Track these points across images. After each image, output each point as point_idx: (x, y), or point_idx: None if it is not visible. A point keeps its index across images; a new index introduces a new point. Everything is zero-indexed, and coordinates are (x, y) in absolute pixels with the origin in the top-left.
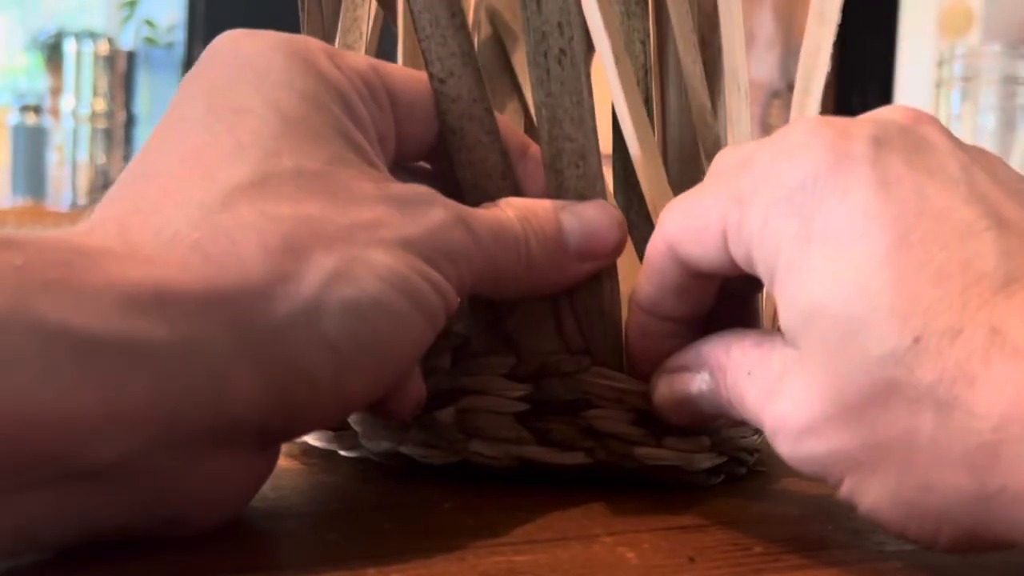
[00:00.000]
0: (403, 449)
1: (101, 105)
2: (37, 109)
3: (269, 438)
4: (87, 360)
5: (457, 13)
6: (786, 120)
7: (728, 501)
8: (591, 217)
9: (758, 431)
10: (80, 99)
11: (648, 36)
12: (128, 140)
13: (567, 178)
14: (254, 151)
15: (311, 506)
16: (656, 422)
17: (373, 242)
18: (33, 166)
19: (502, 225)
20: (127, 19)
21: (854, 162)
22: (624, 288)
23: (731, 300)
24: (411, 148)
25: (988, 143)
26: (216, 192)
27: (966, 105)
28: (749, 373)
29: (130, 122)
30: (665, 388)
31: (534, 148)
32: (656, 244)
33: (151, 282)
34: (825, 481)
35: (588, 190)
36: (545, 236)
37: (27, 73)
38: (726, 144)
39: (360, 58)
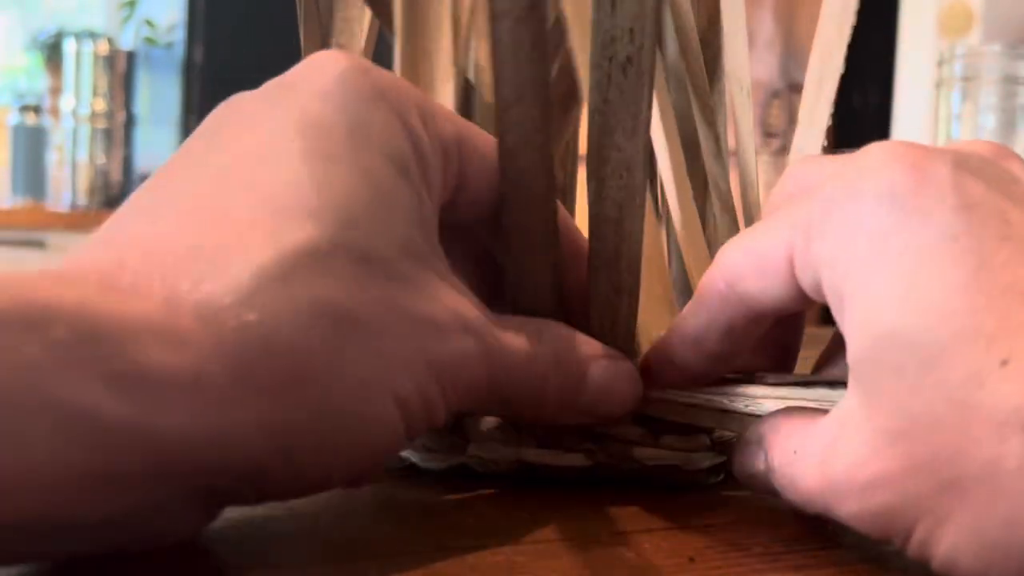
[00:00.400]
0: (404, 454)
1: (101, 105)
2: (37, 109)
3: (224, 499)
4: (97, 440)
5: (539, 42)
6: (785, 120)
7: (728, 501)
8: (617, 381)
9: None
10: (80, 99)
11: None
12: (128, 140)
13: (608, 187)
14: (332, 216)
15: (311, 506)
16: (655, 421)
17: (402, 349)
18: (33, 166)
19: (530, 364)
20: (127, 19)
21: (936, 184)
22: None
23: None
24: (464, 215)
25: None
26: (278, 256)
27: (966, 105)
28: (795, 452)
29: (130, 122)
30: (737, 460)
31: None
32: (713, 281)
33: (182, 367)
34: (890, 540)
35: (628, 201)
36: (568, 384)
37: (27, 73)
38: (726, 143)
39: (449, 125)
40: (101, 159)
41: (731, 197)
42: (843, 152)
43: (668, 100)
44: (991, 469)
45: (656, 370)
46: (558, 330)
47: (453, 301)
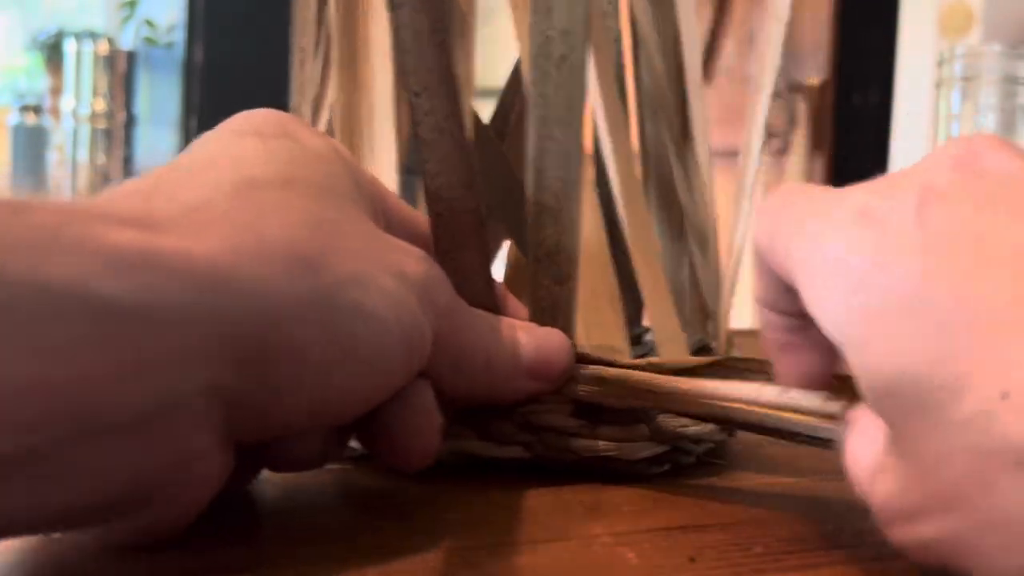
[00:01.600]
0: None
1: (101, 105)
2: (37, 109)
3: (235, 427)
4: (99, 321)
5: (439, 29)
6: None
7: (728, 501)
8: (544, 340)
9: (698, 421)
10: (80, 99)
11: (621, 35)
12: (128, 140)
13: (547, 177)
14: (285, 165)
15: (311, 506)
16: (593, 413)
17: (383, 267)
18: (33, 166)
19: (474, 313)
20: (127, 19)
21: (901, 231)
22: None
23: None
24: None
25: None
26: (244, 179)
27: (966, 105)
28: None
29: (130, 122)
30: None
31: (505, 291)
32: (756, 242)
33: (177, 249)
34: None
35: (566, 192)
36: (504, 345)
37: (27, 73)
38: (700, 134)
39: (369, 173)
40: (101, 159)
41: (703, 210)
42: (844, 151)
43: (618, 101)
44: (1013, 511)
45: (765, 342)
46: (480, 310)
47: (406, 244)
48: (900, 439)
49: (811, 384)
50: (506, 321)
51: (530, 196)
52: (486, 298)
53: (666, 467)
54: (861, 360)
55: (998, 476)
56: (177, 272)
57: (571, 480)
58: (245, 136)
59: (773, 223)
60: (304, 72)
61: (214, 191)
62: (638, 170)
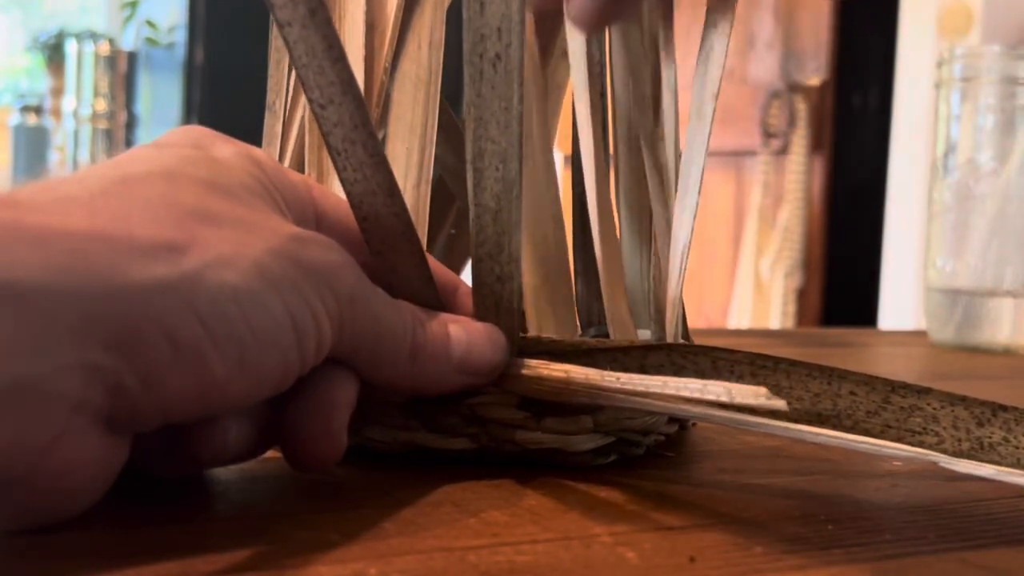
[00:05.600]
0: None
1: (102, 106)
2: (38, 110)
3: (121, 412)
4: None
5: (333, 45)
6: (785, 120)
7: (728, 501)
8: (476, 334)
9: (648, 413)
10: (81, 100)
11: (604, 37)
12: (129, 140)
13: (486, 178)
14: (171, 163)
15: (311, 506)
16: (538, 405)
17: (265, 250)
18: (34, 166)
19: (393, 302)
20: (128, 20)
21: None
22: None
23: None
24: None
25: (988, 143)
26: (120, 176)
27: (966, 105)
28: None
29: (131, 122)
30: None
31: (465, 287)
32: None
33: (34, 225)
34: None
35: (505, 192)
36: (432, 336)
37: (28, 74)
38: (675, 136)
39: (299, 177)
40: (102, 159)
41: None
42: (844, 151)
43: (598, 103)
44: None
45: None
46: (410, 304)
47: (312, 233)
48: None
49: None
50: (440, 316)
51: (470, 197)
52: (424, 296)
53: (612, 458)
54: None
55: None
56: (38, 249)
57: (570, 479)
58: (149, 146)
59: None
60: (280, 70)
61: (87, 187)
62: (612, 173)
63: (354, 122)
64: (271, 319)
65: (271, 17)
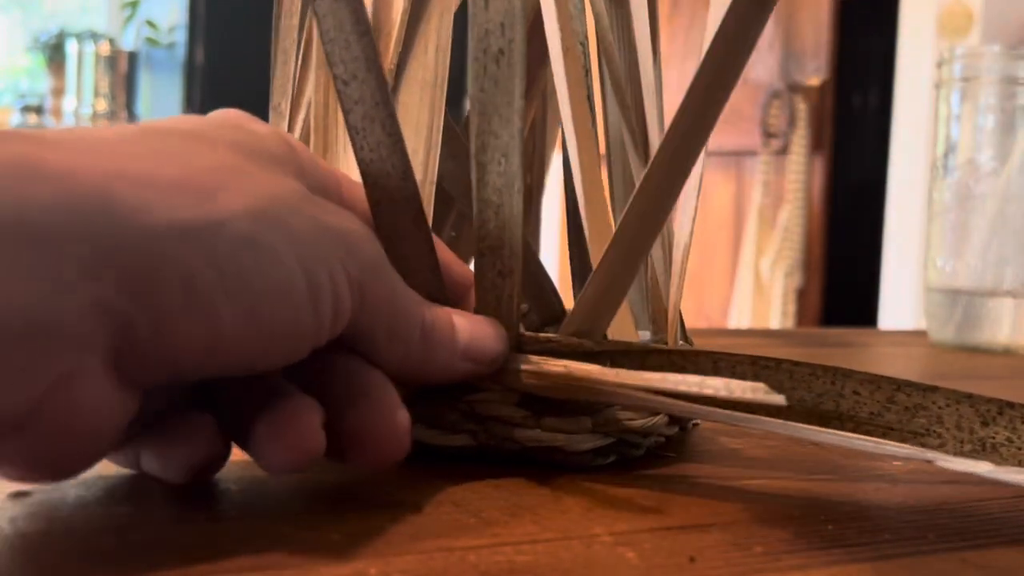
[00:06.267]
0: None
1: (103, 105)
2: (39, 110)
3: (129, 357)
4: None
5: (361, 20)
6: (785, 120)
7: (728, 501)
8: (479, 323)
9: (650, 413)
10: (82, 100)
11: (587, 37)
12: None
13: (489, 172)
14: (205, 125)
15: (311, 506)
16: (538, 403)
17: (289, 211)
18: None
19: (407, 289)
20: (129, 20)
21: None
22: None
23: None
24: None
25: (988, 143)
26: (148, 127)
27: (965, 106)
28: None
29: (132, 122)
30: None
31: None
32: None
33: (56, 163)
34: None
35: (507, 187)
36: (440, 319)
37: (29, 74)
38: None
39: (330, 168)
40: None
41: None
42: (844, 151)
43: (584, 102)
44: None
45: None
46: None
47: (336, 205)
48: None
49: None
50: (443, 308)
51: (473, 191)
52: (431, 285)
53: (612, 459)
54: None
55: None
56: (58, 186)
57: (570, 480)
58: (182, 116)
59: None
60: (285, 72)
61: (116, 132)
62: (604, 170)
63: (375, 99)
64: (285, 272)
65: (274, 13)
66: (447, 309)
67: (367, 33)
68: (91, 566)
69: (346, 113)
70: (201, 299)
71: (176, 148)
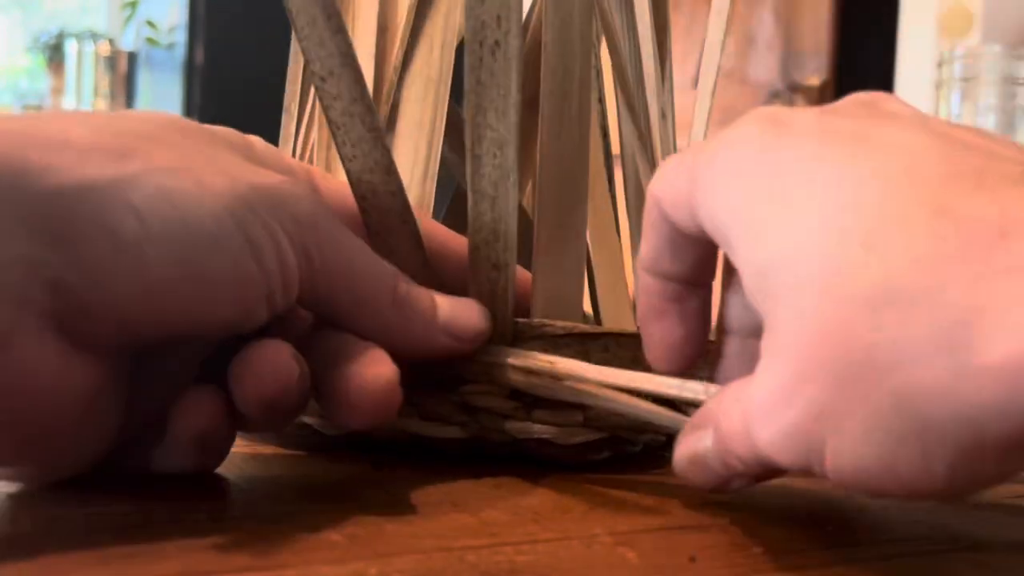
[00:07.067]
0: (306, 419)
1: (102, 105)
2: (39, 109)
3: (69, 314)
4: None
5: (333, 15)
6: None
7: (728, 501)
8: (460, 302)
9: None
10: (81, 99)
11: (599, 37)
12: None
13: (484, 164)
14: (154, 112)
15: (311, 506)
16: (528, 397)
17: (215, 170)
18: None
19: (375, 257)
20: (128, 20)
21: (796, 124)
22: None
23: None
24: None
25: None
26: (89, 112)
27: (966, 105)
28: (737, 400)
29: None
30: (681, 445)
31: (457, 244)
32: (648, 200)
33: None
34: (812, 469)
35: (502, 179)
36: (417, 292)
37: (29, 74)
38: (673, 134)
39: (299, 163)
40: None
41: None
42: None
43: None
44: (870, 353)
45: (641, 312)
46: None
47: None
48: (767, 331)
49: (678, 356)
50: (425, 288)
51: (468, 183)
52: (420, 278)
53: (605, 454)
54: (744, 245)
55: (853, 319)
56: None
57: (570, 479)
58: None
59: (677, 169)
60: (296, 71)
61: (48, 113)
62: (618, 169)
63: (352, 95)
64: (212, 221)
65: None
66: (429, 288)
67: (341, 29)
68: (91, 566)
69: (326, 109)
70: (127, 248)
71: (103, 120)
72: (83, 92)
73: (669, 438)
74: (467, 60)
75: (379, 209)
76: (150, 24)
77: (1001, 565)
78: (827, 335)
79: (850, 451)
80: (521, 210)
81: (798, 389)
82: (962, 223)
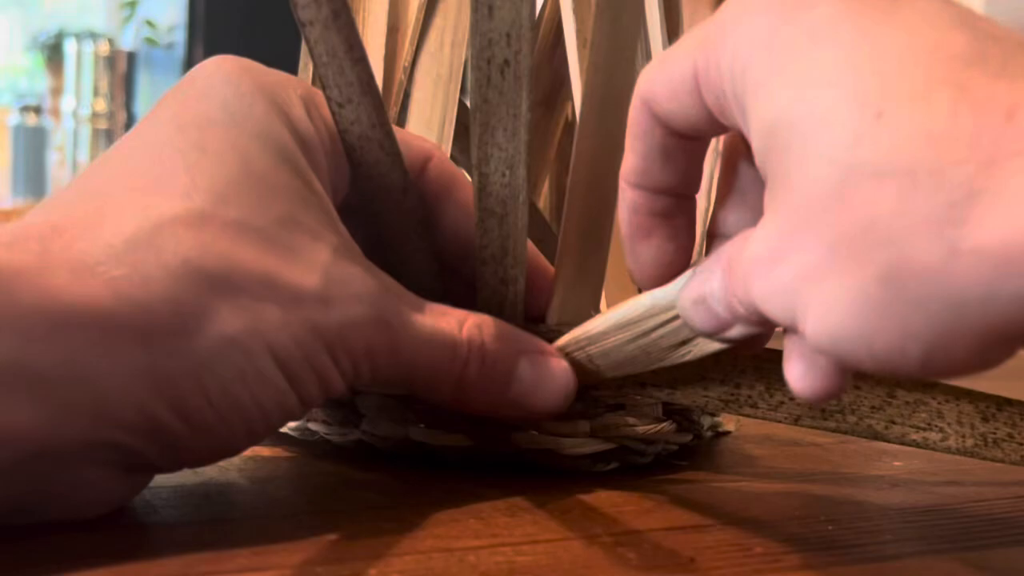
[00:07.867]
0: (310, 425)
1: (101, 106)
2: (38, 110)
3: (138, 465)
4: (32, 387)
5: (355, 46)
6: None
7: (728, 501)
8: (546, 377)
9: (651, 420)
10: (80, 100)
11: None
12: None
13: (491, 183)
14: (204, 195)
15: (311, 507)
16: None
17: (280, 324)
18: (33, 167)
19: (437, 338)
20: (127, 19)
21: None
22: None
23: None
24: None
25: None
26: (149, 225)
27: None
28: (744, 247)
29: (131, 122)
30: (686, 291)
31: (463, 192)
32: (635, 106)
33: (54, 308)
34: (796, 328)
35: (512, 198)
36: (491, 370)
37: (28, 74)
38: None
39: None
40: None
41: None
42: None
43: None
44: (867, 221)
45: (627, 231)
46: (498, 324)
47: (343, 272)
48: (774, 187)
49: (666, 276)
50: (516, 341)
51: (475, 200)
52: (434, 295)
53: (613, 465)
54: (758, 108)
55: (856, 187)
56: (102, 339)
57: (570, 481)
58: (168, 150)
59: (675, 58)
60: (306, 75)
61: (106, 254)
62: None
63: (371, 121)
64: (275, 390)
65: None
66: (518, 347)
67: (362, 59)
68: (92, 566)
69: (342, 132)
70: (201, 430)
71: (175, 252)
72: (82, 92)
73: (682, 448)
74: (472, 77)
75: (394, 226)
76: (149, 24)
77: (1001, 565)
78: (828, 201)
79: (831, 318)
80: (535, 210)
81: (792, 248)
82: (977, 105)
